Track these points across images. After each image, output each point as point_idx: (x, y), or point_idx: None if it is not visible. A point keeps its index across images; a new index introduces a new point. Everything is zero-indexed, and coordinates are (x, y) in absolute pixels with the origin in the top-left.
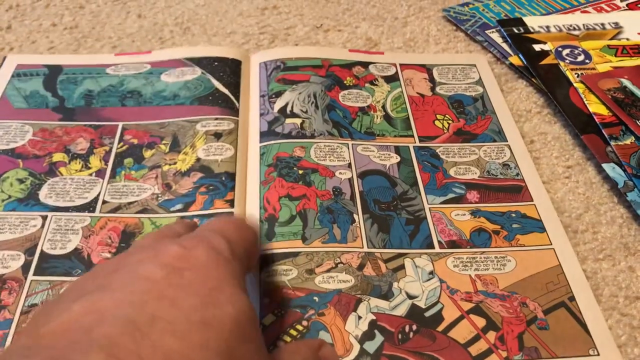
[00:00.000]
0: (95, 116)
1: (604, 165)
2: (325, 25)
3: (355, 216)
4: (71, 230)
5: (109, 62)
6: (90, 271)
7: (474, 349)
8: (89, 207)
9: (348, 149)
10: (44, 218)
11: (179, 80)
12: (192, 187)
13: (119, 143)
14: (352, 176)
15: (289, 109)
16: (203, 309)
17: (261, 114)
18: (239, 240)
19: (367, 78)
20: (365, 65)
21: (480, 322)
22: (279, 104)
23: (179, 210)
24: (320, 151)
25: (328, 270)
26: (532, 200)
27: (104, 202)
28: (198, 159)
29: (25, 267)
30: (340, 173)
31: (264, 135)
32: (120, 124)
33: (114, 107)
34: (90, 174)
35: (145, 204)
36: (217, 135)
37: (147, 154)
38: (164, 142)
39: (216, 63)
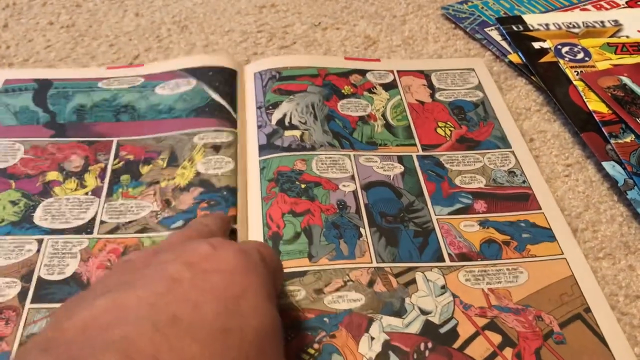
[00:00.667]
0: (89, 132)
1: (604, 164)
2: (324, 23)
3: (362, 230)
4: (69, 254)
5: (100, 76)
6: (119, 266)
7: None
8: (86, 228)
9: (350, 160)
10: (40, 242)
11: (174, 92)
12: (192, 203)
13: (114, 159)
14: (357, 188)
15: (287, 120)
16: (225, 317)
17: (259, 127)
18: (266, 254)
19: (365, 86)
20: (362, 72)
21: (496, 338)
22: (276, 115)
23: (179, 228)
24: (322, 163)
25: (337, 289)
26: (540, 209)
27: (102, 222)
28: (197, 173)
29: (22, 295)
30: (344, 185)
31: (263, 149)
32: (115, 140)
33: (108, 122)
34: (86, 193)
35: (145, 222)
36: (216, 148)
37: (144, 170)
38: (161, 157)
39: (211, 73)
